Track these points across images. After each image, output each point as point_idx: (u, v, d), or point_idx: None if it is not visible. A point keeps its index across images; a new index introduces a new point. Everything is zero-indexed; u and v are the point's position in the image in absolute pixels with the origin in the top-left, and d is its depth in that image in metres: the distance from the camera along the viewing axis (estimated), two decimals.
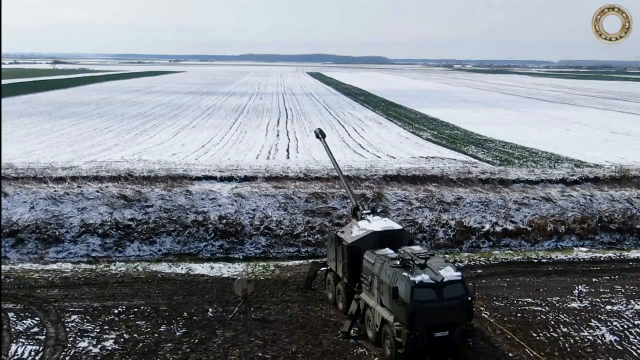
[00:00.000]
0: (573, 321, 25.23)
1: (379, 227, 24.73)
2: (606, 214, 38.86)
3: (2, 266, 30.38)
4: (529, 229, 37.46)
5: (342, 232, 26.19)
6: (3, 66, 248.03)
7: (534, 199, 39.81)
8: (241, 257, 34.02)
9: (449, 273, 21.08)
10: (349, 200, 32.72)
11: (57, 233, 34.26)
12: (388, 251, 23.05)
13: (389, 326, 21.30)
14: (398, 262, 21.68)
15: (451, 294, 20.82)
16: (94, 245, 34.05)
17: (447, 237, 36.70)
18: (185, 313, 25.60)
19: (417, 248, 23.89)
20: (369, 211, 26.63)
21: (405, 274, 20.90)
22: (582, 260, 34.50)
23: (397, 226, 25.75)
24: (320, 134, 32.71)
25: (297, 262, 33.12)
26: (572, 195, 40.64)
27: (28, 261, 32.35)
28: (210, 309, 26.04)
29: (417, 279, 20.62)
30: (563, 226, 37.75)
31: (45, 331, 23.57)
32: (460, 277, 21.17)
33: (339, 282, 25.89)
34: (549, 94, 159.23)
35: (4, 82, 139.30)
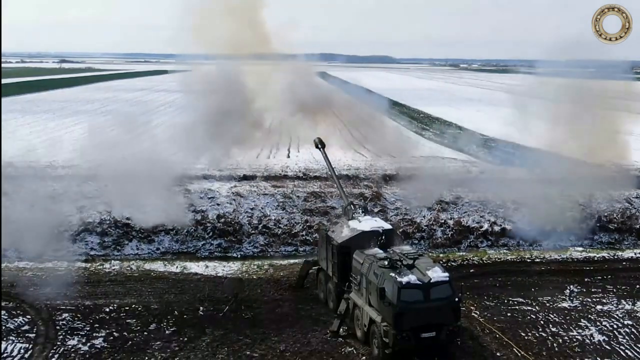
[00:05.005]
0: (562, 321, 25.23)
1: (368, 227, 24.75)
2: (605, 214, 38.66)
3: None
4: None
5: (333, 231, 26.23)
6: (9, 65, 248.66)
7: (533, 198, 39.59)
8: (239, 256, 34.00)
9: (436, 274, 21.07)
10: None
11: (55, 232, 34.35)
12: (377, 251, 23.08)
13: (376, 326, 21.33)
14: (386, 263, 21.70)
15: (438, 295, 20.83)
16: (92, 244, 34.11)
17: (445, 236, 36.59)
18: (176, 312, 25.69)
19: (406, 248, 23.93)
20: (359, 211, 26.67)
21: (393, 274, 20.92)
22: (575, 259, 34.31)
23: (387, 226, 25.72)
24: (320, 144, 30.89)
25: (291, 261, 33.02)
26: (572, 195, 40.39)
27: (25, 259, 32.43)
28: (201, 308, 26.13)
29: (404, 279, 20.63)
30: (562, 226, 37.55)
31: (35, 329, 23.73)
32: (447, 278, 21.15)
33: (330, 282, 25.94)
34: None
35: (8, 80, 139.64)
